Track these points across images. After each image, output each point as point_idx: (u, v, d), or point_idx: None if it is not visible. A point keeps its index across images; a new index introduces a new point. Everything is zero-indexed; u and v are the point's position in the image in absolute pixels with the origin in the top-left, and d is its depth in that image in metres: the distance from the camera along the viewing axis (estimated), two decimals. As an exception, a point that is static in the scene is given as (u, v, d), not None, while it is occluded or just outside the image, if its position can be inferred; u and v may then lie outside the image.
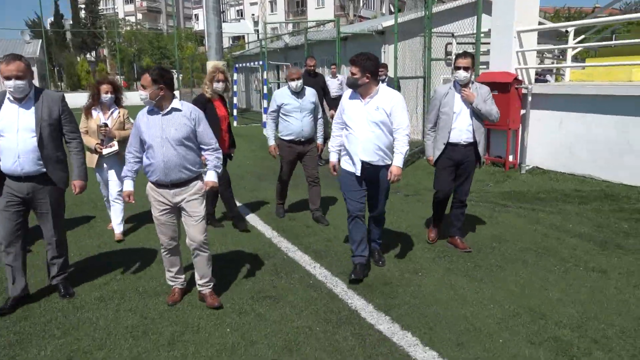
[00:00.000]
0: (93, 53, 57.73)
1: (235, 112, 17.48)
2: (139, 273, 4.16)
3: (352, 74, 3.73)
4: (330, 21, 15.32)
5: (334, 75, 10.09)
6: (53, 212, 3.53)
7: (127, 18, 58.64)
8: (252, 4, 55.46)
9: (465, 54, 4.34)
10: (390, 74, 9.24)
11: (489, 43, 8.53)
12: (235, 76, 13.49)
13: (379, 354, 2.91)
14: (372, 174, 3.89)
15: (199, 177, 3.50)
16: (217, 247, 4.72)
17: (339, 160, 4.13)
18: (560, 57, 11.42)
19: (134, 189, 3.47)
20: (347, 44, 14.32)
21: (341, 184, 4.02)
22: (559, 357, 2.84)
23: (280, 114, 5.31)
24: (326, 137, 5.96)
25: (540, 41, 11.90)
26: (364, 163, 3.83)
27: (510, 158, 8.03)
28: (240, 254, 4.59)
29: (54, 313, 3.45)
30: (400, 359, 2.85)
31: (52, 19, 53.99)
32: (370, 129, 3.77)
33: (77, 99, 24.97)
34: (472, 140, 4.38)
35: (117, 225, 5.01)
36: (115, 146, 4.81)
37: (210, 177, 3.55)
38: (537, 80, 9.60)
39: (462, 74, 4.27)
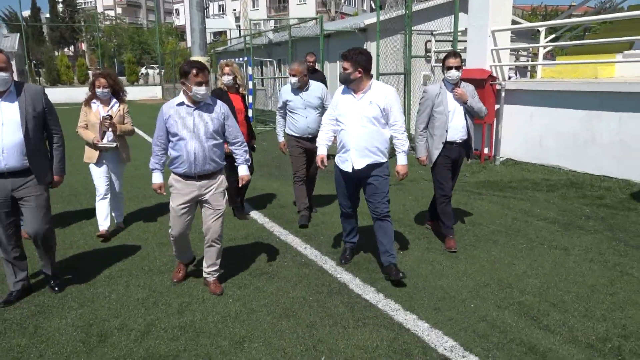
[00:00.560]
0: (72, 48, 56.91)
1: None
2: (143, 254, 4.49)
3: (344, 69, 3.70)
4: (314, 19, 15.66)
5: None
6: (38, 207, 3.45)
7: (106, 12, 57.90)
8: (233, -1, 55.38)
9: (455, 54, 4.38)
10: (373, 70, 9.60)
11: (466, 41, 8.99)
12: (249, 70, 13.32)
13: (366, 317, 3.30)
14: (367, 172, 3.84)
15: (222, 170, 3.66)
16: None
17: (332, 157, 4.13)
18: (535, 55, 11.97)
19: (163, 181, 3.64)
20: (330, 41, 14.69)
21: (335, 181, 4.08)
22: (522, 318, 3.27)
23: (287, 111, 5.30)
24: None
25: (517, 40, 12.45)
26: (357, 171, 3.80)
27: (486, 150, 8.52)
28: (236, 237, 4.94)
29: (68, 289, 3.76)
30: (385, 321, 3.25)
31: (30, 12, 53.05)
32: (364, 124, 3.72)
33: (57, 94, 24.96)
34: (466, 138, 4.50)
35: (103, 221, 4.91)
36: (114, 141, 4.80)
37: (243, 171, 3.72)
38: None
39: (454, 74, 4.32)
